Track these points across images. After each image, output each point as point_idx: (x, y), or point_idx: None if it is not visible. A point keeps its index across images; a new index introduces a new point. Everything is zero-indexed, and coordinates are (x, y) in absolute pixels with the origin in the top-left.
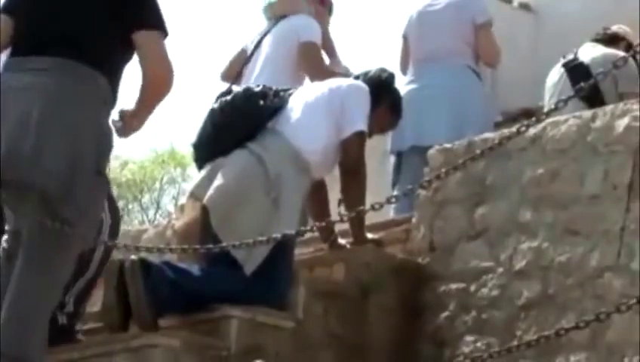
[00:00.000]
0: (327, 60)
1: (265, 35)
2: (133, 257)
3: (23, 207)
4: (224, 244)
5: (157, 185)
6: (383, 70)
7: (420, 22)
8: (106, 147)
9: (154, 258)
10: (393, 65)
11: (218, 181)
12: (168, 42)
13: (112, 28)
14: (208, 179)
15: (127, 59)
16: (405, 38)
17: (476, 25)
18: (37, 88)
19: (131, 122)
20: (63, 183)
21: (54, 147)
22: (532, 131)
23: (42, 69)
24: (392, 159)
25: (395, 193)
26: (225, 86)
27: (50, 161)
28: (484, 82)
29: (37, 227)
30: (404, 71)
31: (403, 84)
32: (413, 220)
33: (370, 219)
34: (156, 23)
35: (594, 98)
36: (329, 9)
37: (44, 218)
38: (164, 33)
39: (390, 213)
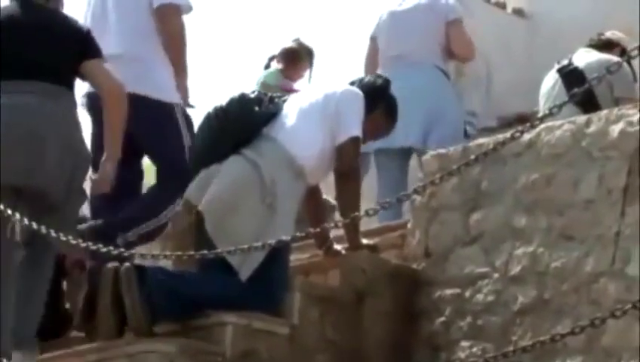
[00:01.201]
0: None
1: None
2: (128, 264)
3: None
4: (219, 250)
5: None
6: (377, 76)
7: (391, 22)
8: (86, 166)
9: (149, 264)
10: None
11: (213, 187)
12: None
13: (73, 59)
14: (203, 185)
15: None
16: (374, 38)
17: (448, 22)
18: (36, 109)
19: (105, 167)
20: (62, 194)
21: (64, 166)
22: (527, 136)
23: (35, 92)
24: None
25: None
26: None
27: (56, 173)
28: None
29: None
30: (370, 70)
31: None
32: (409, 226)
33: (366, 224)
34: (98, 51)
35: (589, 103)
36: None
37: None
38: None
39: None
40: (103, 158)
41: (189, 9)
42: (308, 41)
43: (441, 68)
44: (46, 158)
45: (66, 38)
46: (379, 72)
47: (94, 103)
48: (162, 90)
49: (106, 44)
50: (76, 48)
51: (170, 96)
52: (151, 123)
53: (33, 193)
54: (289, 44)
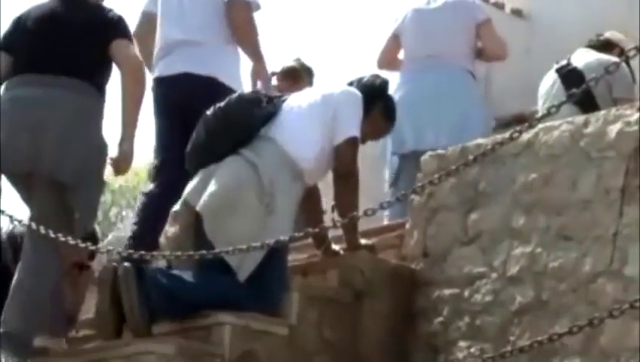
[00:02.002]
0: None
1: None
2: (126, 264)
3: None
4: (217, 250)
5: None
6: (376, 76)
7: (418, 21)
8: (104, 153)
9: (147, 264)
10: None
11: (211, 187)
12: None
13: (95, 49)
14: (201, 186)
15: (108, 73)
16: (397, 36)
17: (478, 23)
18: (51, 99)
19: (122, 147)
20: (73, 177)
21: (73, 150)
22: (525, 137)
23: (51, 84)
24: (394, 159)
25: (389, 197)
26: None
27: (69, 160)
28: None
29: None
30: (386, 67)
31: (398, 82)
32: (407, 226)
33: (364, 225)
34: (125, 33)
35: (587, 103)
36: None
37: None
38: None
39: (384, 218)
40: (119, 139)
41: (258, 7)
42: (308, 60)
43: (469, 70)
44: (48, 145)
45: (89, 30)
46: (403, 70)
47: (160, 95)
48: (227, 75)
49: (178, 29)
50: (101, 37)
51: (233, 82)
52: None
53: (40, 178)
54: (289, 62)
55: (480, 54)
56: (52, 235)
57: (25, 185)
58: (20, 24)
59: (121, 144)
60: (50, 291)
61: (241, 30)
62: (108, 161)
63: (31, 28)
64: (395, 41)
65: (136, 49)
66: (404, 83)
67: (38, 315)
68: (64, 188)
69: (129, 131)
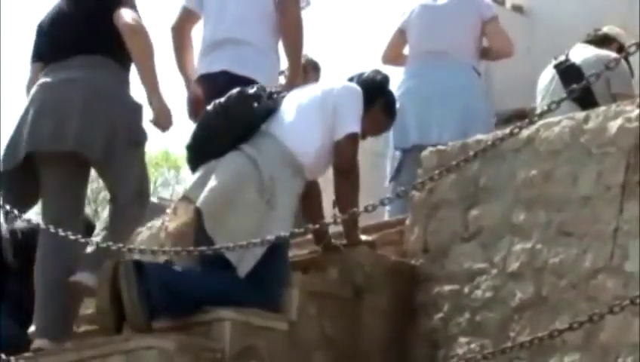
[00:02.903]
0: None
1: None
2: (126, 260)
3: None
4: (217, 246)
5: (151, 187)
6: (377, 72)
7: (425, 16)
8: (135, 119)
9: (148, 260)
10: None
11: (212, 183)
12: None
13: (103, 22)
14: (202, 182)
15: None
16: (402, 31)
17: (485, 20)
18: (77, 79)
19: (153, 104)
20: (103, 151)
21: (94, 124)
22: (525, 133)
23: (76, 66)
24: (396, 154)
25: (390, 193)
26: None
27: (91, 135)
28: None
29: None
30: (391, 62)
31: (403, 77)
32: (407, 222)
33: (365, 220)
34: (122, 2)
35: (586, 99)
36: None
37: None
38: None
39: (385, 214)
40: (147, 101)
41: (308, 4)
42: (315, 56)
43: (475, 67)
44: (72, 123)
45: (96, 7)
46: (408, 65)
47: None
48: (266, 76)
49: (222, 28)
50: (106, 10)
51: (271, 82)
52: None
53: (68, 156)
54: None
55: (484, 54)
56: (52, 230)
57: (44, 169)
58: (40, 29)
59: (150, 103)
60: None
61: (290, 25)
62: (148, 122)
63: (47, 26)
64: (400, 36)
65: (135, 14)
66: (409, 78)
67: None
68: (94, 165)
69: (151, 90)
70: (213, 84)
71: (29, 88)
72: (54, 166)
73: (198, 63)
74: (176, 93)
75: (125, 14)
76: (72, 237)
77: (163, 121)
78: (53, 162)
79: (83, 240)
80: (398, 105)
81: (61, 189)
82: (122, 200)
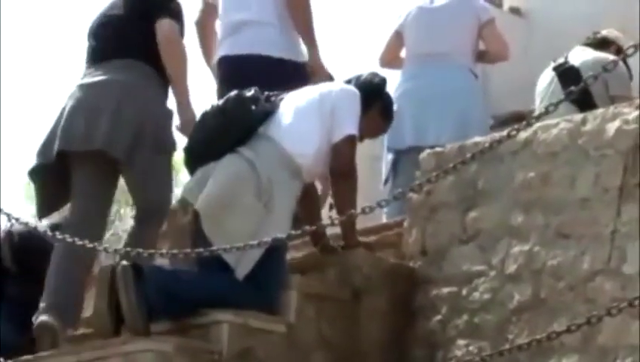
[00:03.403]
0: None
1: None
2: (124, 262)
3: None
4: (215, 248)
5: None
6: (374, 74)
7: (421, 18)
8: (165, 126)
9: (145, 263)
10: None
11: (209, 186)
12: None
13: (142, 28)
14: (199, 184)
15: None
16: (399, 33)
17: (481, 22)
18: (111, 81)
19: (181, 113)
20: (127, 152)
21: (122, 124)
22: (523, 135)
23: (113, 69)
24: (389, 157)
25: (387, 195)
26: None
27: (119, 135)
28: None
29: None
30: (388, 65)
31: (400, 80)
32: (405, 224)
33: (363, 223)
34: (166, 12)
35: (585, 102)
36: None
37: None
38: (173, 21)
39: (382, 217)
40: (177, 109)
41: None
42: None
43: (472, 69)
44: (102, 123)
45: (136, 14)
46: (405, 67)
47: (223, 74)
48: (295, 52)
49: (243, 10)
50: (146, 17)
51: (297, 56)
52: (289, 83)
53: (97, 156)
54: None
55: (481, 57)
56: (49, 233)
57: (75, 168)
58: (89, 31)
59: (179, 112)
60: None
61: (294, 9)
62: (174, 129)
63: (94, 28)
64: (397, 39)
65: (175, 26)
66: (407, 80)
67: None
68: (119, 166)
69: (181, 100)
70: (238, 65)
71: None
72: (85, 165)
73: (218, 46)
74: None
75: (165, 26)
76: (69, 240)
77: (189, 131)
78: (84, 161)
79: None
80: (395, 107)
81: (90, 189)
82: (139, 214)
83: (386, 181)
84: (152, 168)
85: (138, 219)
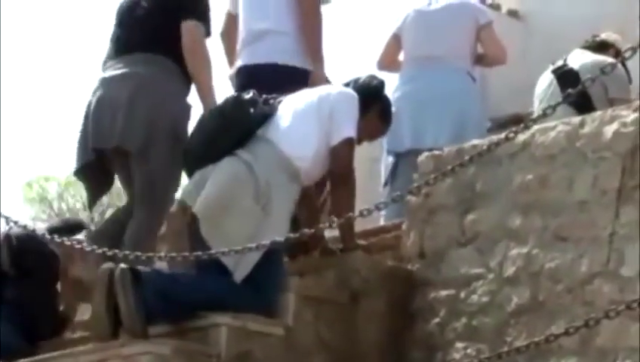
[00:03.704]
0: None
1: None
2: (122, 265)
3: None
4: (213, 251)
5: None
6: (372, 77)
7: (420, 21)
8: (182, 119)
9: (143, 266)
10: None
11: (207, 188)
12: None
13: (167, 24)
14: (198, 187)
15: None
16: (397, 36)
17: (479, 26)
18: (129, 75)
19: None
20: (141, 145)
21: (136, 118)
22: (521, 137)
23: (132, 62)
24: (389, 159)
25: (385, 198)
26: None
27: (133, 129)
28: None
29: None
30: (386, 68)
31: (398, 82)
32: (404, 227)
33: (361, 225)
34: (192, 14)
35: (583, 104)
36: None
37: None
38: (200, 22)
39: (380, 219)
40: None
41: (327, 1)
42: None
43: (469, 72)
44: (119, 119)
45: (161, 9)
46: (403, 70)
47: (241, 83)
48: (300, 59)
49: (261, 19)
50: (172, 15)
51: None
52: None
53: (122, 151)
54: None
55: (479, 60)
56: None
57: (114, 161)
58: (115, 18)
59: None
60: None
61: (305, 16)
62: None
63: (120, 16)
64: (395, 42)
65: (200, 29)
66: (405, 82)
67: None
68: (134, 158)
69: (206, 103)
70: (258, 75)
71: (102, 68)
72: (118, 160)
73: (237, 55)
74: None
75: (190, 28)
76: (68, 243)
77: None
78: (116, 156)
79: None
80: (394, 109)
81: (125, 183)
82: (138, 212)
83: (386, 183)
84: (166, 163)
85: (142, 210)
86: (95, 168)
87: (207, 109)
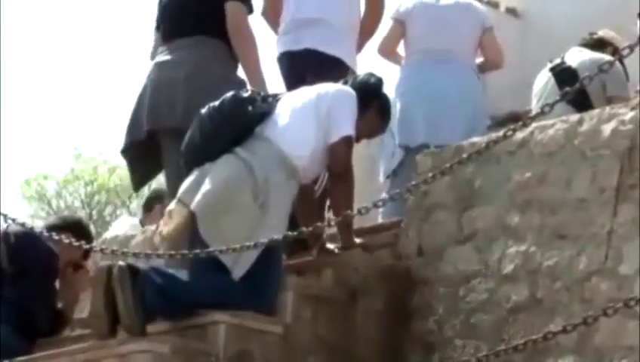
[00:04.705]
0: None
1: None
2: (121, 263)
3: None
4: (212, 249)
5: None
6: (371, 75)
7: (429, 13)
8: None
9: (142, 264)
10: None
11: (206, 186)
12: None
13: (212, 6)
14: (196, 185)
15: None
16: (402, 22)
17: (485, 28)
18: (186, 59)
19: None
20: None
21: (197, 100)
22: (520, 135)
23: (187, 46)
24: (397, 151)
25: (384, 192)
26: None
27: (194, 111)
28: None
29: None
30: (387, 56)
31: (404, 74)
32: (402, 224)
33: (360, 223)
34: None
35: (581, 102)
36: None
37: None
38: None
39: (378, 216)
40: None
41: None
42: None
43: (474, 70)
44: (179, 100)
45: None
46: (411, 61)
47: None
48: (351, 57)
49: (309, 8)
50: None
51: (354, 65)
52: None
53: (181, 133)
54: None
55: (479, 68)
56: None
57: (164, 144)
58: (160, 3)
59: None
60: None
61: (371, 7)
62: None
63: (159, 7)
64: (399, 27)
65: (243, 9)
66: (412, 75)
67: None
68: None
69: (254, 82)
70: (299, 61)
71: (152, 55)
72: (173, 141)
73: (278, 41)
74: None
75: (233, 9)
76: (66, 241)
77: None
78: (172, 137)
79: (77, 243)
80: (401, 103)
81: (177, 165)
82: None
83: (388, 176)
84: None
85: None
86: (143, 150)
87: (256, 87)
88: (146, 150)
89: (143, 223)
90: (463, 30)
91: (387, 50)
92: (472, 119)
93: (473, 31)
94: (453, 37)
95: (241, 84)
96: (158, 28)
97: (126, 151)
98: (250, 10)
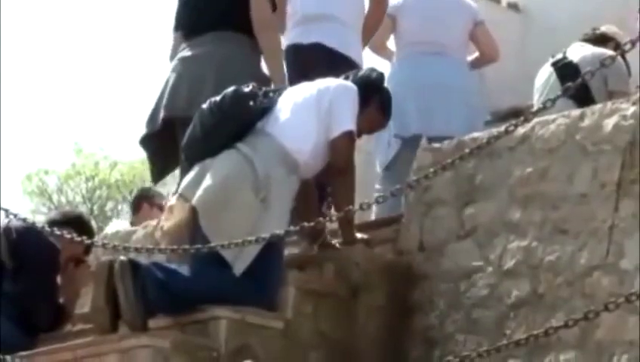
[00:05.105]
0: None
1: None
2: (122, 258)
3: None
4: (213, 244)
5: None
6: (372, 70)
7: (421, 7)
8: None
9: (143, 259)
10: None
11: (207, 182)
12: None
13: (239, 3)
14: (197, 180)
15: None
16: (392, 16)
17: (476, 22)
18: (212, 53)
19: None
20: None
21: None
22: (521, 130)
23: (210, 41)
24: (393, 141)
25: (381, 182)
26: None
27: (194, 100)
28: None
29: None
30: (377, 50)
31: (395, 68)
32: (403, 220)
33: (360, 218)
34: None
35: (583, 97)
36: None
37: None
38: None
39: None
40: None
41: None
42: None
43: (467, 64)
44: (205, 91)
45: None
46: (404, 53)
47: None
48: (357, 53)
49: (317, 2)
50: None
51: (360, 61)
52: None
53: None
54: None
55: (472, 65)
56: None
57: (181, 134)
58: (179, 3)
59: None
60: None
61: (376, 4)
62: None
63: (179, 3)
64: (387, 23)
65: (267, 3)
66: (405, 67)
67: None
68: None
69: (276, 77)
70: (306, 55)
71: (171, 57)
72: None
73: (286, 34)
74: None
75: (257, 3)
76: (68, 236)
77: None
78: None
79: (79, 238)
80: (393, 95)
81: None
82: None
83: (386, 168)
84: None
85: None
86: (161, 142)
87: (276, 82)
88: (165, 143)
89: (133, 224)
90: (453, 24)
91: (377, 45)
92: (468, 112)
93: (464, 25)
94: (445, 30)
95: (266, 81)
96: (176, 28)
97: (145, 144)
98: (274, 6)
